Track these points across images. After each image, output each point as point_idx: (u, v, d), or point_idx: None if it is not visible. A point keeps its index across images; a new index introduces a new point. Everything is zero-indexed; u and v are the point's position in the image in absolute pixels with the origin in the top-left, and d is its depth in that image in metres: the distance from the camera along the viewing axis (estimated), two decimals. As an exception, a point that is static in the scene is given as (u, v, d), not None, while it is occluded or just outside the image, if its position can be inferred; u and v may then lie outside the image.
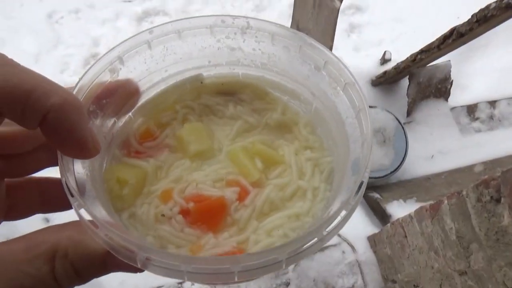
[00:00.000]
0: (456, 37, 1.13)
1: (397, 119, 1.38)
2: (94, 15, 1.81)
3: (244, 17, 0.34)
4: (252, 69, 0.38)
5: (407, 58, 1.42)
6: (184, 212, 0.32)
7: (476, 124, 1.55)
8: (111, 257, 0.25)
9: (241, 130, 0.38)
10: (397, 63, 1.50)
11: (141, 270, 0.26)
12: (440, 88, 1.55)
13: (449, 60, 1.50)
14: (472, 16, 1.07)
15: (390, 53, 1.63)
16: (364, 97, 0.31)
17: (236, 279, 0.25)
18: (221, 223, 0.32)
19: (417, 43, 1.42)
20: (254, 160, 0.35)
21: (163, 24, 0.34)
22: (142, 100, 0.37)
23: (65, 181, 0.26)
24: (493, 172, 0.64)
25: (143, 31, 0.33)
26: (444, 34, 1.19)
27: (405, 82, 1.58)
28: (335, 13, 0.98)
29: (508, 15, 0.97)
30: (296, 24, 1.28)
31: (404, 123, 1.46)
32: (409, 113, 1.55)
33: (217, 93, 0.39)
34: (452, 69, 1.56)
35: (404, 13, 1.82)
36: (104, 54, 0.32)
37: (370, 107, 1.39)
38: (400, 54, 1.60)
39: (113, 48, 0.32)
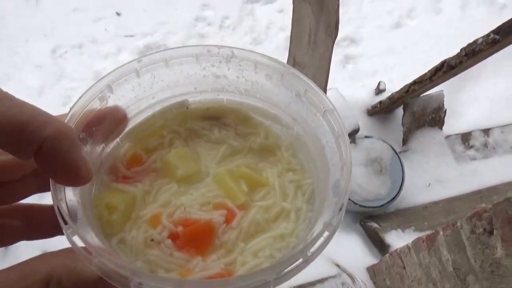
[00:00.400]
0: (447, 69, 1.17)
1: (392, 148, 1.40)
2: (97, 50, 1.87)
3: (228, 47, 0.36)
4: (236, 95, 0.40)
5: (401, 88, 1.46)
6: (173, 236, 0.32)
7: (471, 152, 1.57)
8: (104, 283, 0.25)
9: (226, 154, 0.39)
10: (392, 94, 1.54)
11: None
12: (434, 117, 1.58)
13: (442, 90, 1.54)
14: (461, 50, 1.12)
15: (385, 84, 1.67)
16: (343, 124, 0.32)
17: None
18: (209, 246, 0.33)
19: (410, 73, 1.47)
20: (240, 183, 0.36)
21: (151, 53, 0.35)
22: (130, 126, 0.38)
23: (58, 209, 0.26)
24: (490, 200, 0.65)
25: (132, 61, 0.35)
26: (436, 66, 1.23)
27: (400, 111, 1.62)
28: (330, 49, 1.02)
29: (494, 50, 1.01)
30: (293, 58, 1.32)
31: (400, 152, 1.48)
32: (404, 142, 1.57)
33: (203, 118, 0.40)
34: (445, 99, 1.60)
35: (396, 45, 1.88)
36: (95, 83, 0.33)
37: (366, 137, 1.41)
38: (394, 84, 1.64)
39: (103, 77, 0.33)
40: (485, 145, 1.58)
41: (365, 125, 1.63)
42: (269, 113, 0.39)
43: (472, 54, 1.06)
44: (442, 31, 1.91)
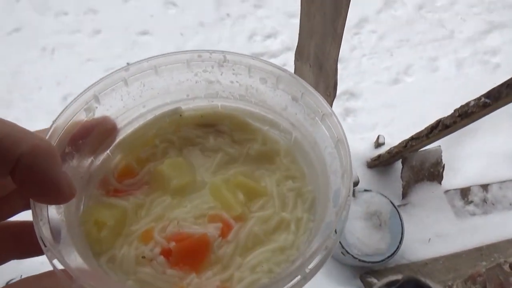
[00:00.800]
0: (442, 128, 1.21)
1: (392, 202, 1.41)
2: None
3: (221, 51, 0.35)
4: (231, 100, 0.38)
5: (399, 143, 1.50)
6: (166, 253, 0.31)
7: (470, 208, 1.58)
8: None
9: (222, 162, 0.37)
10: (390, 148, 1.57)
11: None
12: (433, 171, 1.60)
13: (439, 146, 1.58)
14: (454, 110, 1.16)
15: (384, 137, 1.71)
16: (342, 128, 0.31)
17: None
18: (204, 261, 0.31)
19: (409, 128, 1.51)
20: (236, 193, 0.34)
21: (139, 61, 0.34)
22: (120, 136, 0.36)
23: (38, 231, 0.25)
24: (490, 258, 0.66)
25: (119, 69, 0.33)
26: (431, 124, 1.28)
27: (399, 164, 1.65)
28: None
29: (486, 112, 1.06)
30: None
31: (400, 206, 1.50)
32: (404, 195, 1.59)
33: (197, 126, 0.39)
34: (443, 153, 1.63)
35: (395, 100, 1.94)
36: (79, 95, 0.31)
37: (366, 190, 1.43)
38: (393, 138, 1.68)
39: (88, 88, 0.32)
40: (484, 200, 1.59)
41: (365, 177, 1.65)
42: (266, 118, 0.38)
43: (465, 115, 1.10)
44: (438, 88, 1.98)
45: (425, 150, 1.57)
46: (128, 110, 0.35)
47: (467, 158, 1.74)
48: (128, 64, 0.34)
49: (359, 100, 1.98)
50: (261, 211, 0.34)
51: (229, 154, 0.37)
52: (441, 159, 1.60)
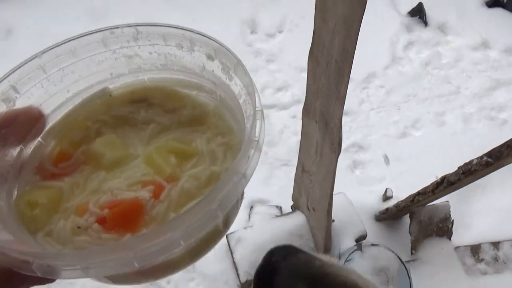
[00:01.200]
0: (447, 185, 1.23)
1: (399, 258, 1.40)
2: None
3: (133, 24, 0.35)
4: (155, 72, 0.39)
5: (406, 198, 1.51)
6: (101, 220, 0.31)
7: (481, 266, 1.55)
8: (15, 274, 0.25)
9: (154, 132, 0.38)
10: (398, 202, 1.58)
11: (50, 280, 0.26)
12: (442, 227, 1.59)
13: (447, 201, 1.58)
14: (458, 168, 1.19)
15: (391, 191, 1.73)
16: (249, 76, 0.33)
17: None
18: (139, 223, 0.31)
19: (417, 181, 1.52)
20: (168, 158, 0.35)
21: (52, 46, 0.34)
22: (50, 123, 0.36)
23: None
24: None
25: (31, 57, 0.33)
26: (437, 181, 1.29)
27: (407, 218, 1.64)
28: (333, 163, 1.11)
29: (489, 170, 1.08)
30: (302, 165, 1.41)
31: (408, 262, 1.48)
32: (413, 250, 1.57)
33: (129, 103, 0.39)
34: (453, 208, 1.63)
35: (403, 153, 1.97)
36: None
37: (373, 245, 1.43)
38: (401, 191, 1.69)
39: (2, 78, 0.32)
40: (496, 259, 1.56)
41: (373, 230, 1.64)
42: (191, 83, 0.39)
43: (469, 173, 1.12)
44: (446, 142, 2.01)
45: (433, 205, 1.57)
46: (51, 96, 0.36)
47: (477, 214, 1.73)
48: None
49: (368, 153, 2.01)
50: (192, 169, 0.34)
51: (161, 123, 0.38)
52: (450, 215, 1.59)
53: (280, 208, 1.75)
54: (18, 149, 0.35)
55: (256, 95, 0.31)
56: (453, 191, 1.29)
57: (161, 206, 0.32)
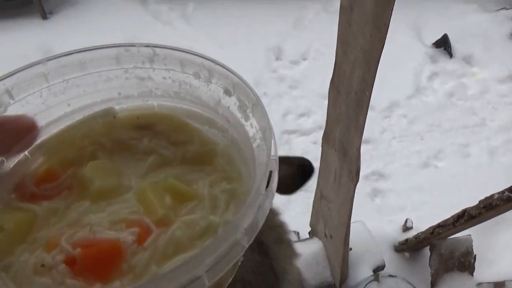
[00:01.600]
0: (468, 218, 1.22)
1: (418, 291, 1.37)
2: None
3: (152, 45, 0.33)
4: (166, 99, 0.35)
5: (426, 229, 1.49)
6: (70, 260, 0.27)
7: (505, 304, 1.49)
8: None
9: (154, 165, 0.33)
10: (418, 233, 1.56)
11: None
12: (464, 261, 1.55)
13: (470, 235, 1.55)
14: (479, 202, 1.17)
15: (412, 222, 1.70)
16: (267, 116, 0.29)
17: None
18: (114, 271, 0.27)
19: (438, 213, 1.50)
20: (163, 197, 0.30)
21: (60, 55, 0.31)
22: (43, 137, 0.33)
23: None
24: None
25: (35, 63, 0.30)
26: (457, 213, 1.28)
27: (428, 250, 1.61)
28: (351, 192, 1.12)
29: (510, 206, 1.07)
30: (320, 191, 1.43)
31: (428, 296, 1.44)
32: (433, 284, 1.53)
33: (132, 127, 0.35)
34: (475, 242, 1.59)
35: (424, 184, 1.95)
36: None
37: (390, 276, 1.41)
38: (422, 222, 1.67)
39: None
40: (520, 298, 1.50)
41: (392, 261, 1.62)
42: (203, 117, 0.35)
43: (490, 207, 1.11)
44: (470, 174, 1.98)
45: (454, 238, 1.54)
46: (49, 107, 0.32)
47: (501, 250, 1.68)
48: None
49: (388, 182, 2.00)
50: (188, 215, 0.30)
51: (162, 156, 0.34)
52: (472, 249, 1.56)
53: (298, 234, 1.76)
54: None
55: (272, 141, 0.27)
56: (474, 225, 1.27)
57: (144, 255, 0.27)
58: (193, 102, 0.35)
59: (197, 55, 0.32)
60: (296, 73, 2.58)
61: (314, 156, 2.26)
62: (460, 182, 1.93)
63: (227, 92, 0.33)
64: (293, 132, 2.29)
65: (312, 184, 1.79)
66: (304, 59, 2.67)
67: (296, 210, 1.88)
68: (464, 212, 1.24)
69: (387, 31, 0.76)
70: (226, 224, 0.29)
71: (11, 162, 0.32)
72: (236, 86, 0.32)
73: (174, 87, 0.35)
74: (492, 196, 1.11)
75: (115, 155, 0.34)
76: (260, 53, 2.63)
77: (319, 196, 1.44)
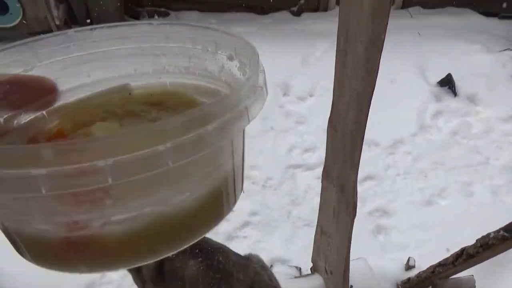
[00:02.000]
0: (466, 257, 1.22)
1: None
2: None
3: (168, 22, 0.35)
4: (177, 76, 0.38)
5: (427, 268, 1.49)
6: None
7: None
8: None
9: None
10: (419, 272, 1.55)
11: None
12: (467, 302, 1.53)
13: (472, 275, 1.53)
14: (476, 240, 1.18)
15: (414, 260, 1.69)
16: (263, 68, 0.31)
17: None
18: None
19: (441, 252, 1.51)
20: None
21: (83, 28, 0.33)
22: (61, 102, 0.35)
23: None
24: None
25: (62, 32, 0.33)
26: (456, 252, 1.28)
27: (431, 290, 1.59)
28: (349, 227, 1.14)
29: (507, 246, 1.08)
30: (320, 226, 1.45)
31: (429, 337, 1.42)
32: (435, 325, 1.51)
33: (145, 103, 0.38)
34: (479, 283, 1.56)
35: (428, 222, 1.95)
36: (12, 45, 0.31)
37: (391, 314, 1.39)
38: (424, 260, 1.66)
39: (25, 42, 0.31)
40: None
41: (394, 300, 1.60)
42: (209, 90, 0.37)
43: (486, 246, 1.12)
44: (473, 213, 1.97)
45: (457, 278, 1.53)
46: (70, 75, 0.35)
47: (506, 292, 1.65)
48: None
49: (392, 219, 2.00)
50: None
51: None
52: (475, 290, 1.54)
53: (299, 269, 1.76)
54: (12, 113, 0.32)
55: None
56: (474, 264, 1.27)
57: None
58: (201, 75, 0.37)
59: (206, 28, 0.34)
60: (303, 109, 2.65)
61: (318, 191, 2.28)
62: (463, 221, 1.93)
63: (230, 58, 0.34)
64: (298, 166, 2.33)
65: (316, 219, 1.80)
66: (311, 96, 2.74)
67: (299, 245, 1.89)
68: (462, 251, 1.25)
69: (377, 76, 0.81)
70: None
71: (28, 116, 0.33)
72: (238, 48, 0.33)
73: (184, 62, 0.37)
74: (488, 235, 1.13)
75: (124, 122, 0.36)
76: (268, 89, 2.71)
77: (320, 231, 1.46)
